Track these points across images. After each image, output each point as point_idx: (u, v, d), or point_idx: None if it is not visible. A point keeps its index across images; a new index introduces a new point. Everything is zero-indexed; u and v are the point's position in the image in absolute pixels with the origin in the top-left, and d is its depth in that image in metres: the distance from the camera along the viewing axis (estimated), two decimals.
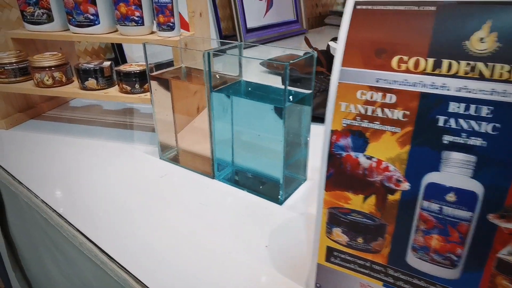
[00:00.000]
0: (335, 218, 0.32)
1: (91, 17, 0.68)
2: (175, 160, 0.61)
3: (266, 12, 1.59)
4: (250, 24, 1.49)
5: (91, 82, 0.64)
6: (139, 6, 0.66)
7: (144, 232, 0.44)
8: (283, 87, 0.51)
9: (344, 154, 0.29)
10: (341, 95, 0.29)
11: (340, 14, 2.08)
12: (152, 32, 0.70)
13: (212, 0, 1.37)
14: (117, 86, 0.67)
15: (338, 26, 1.83)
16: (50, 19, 0.70)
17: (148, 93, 0.65)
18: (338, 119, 0.29)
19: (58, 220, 0.47)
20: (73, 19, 0.68)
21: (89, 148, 0.65)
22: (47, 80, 0.66)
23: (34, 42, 0.76)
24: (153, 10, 0.67)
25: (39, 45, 0.77)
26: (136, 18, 0.66)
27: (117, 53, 1.04)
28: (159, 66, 0.59)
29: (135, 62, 0.67)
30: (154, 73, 0.56)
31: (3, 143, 0.67)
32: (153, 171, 0.58)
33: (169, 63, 0.62)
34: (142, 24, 0.67)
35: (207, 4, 0.76)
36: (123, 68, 0.63)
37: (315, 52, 0.47)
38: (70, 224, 0.45)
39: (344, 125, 0.29)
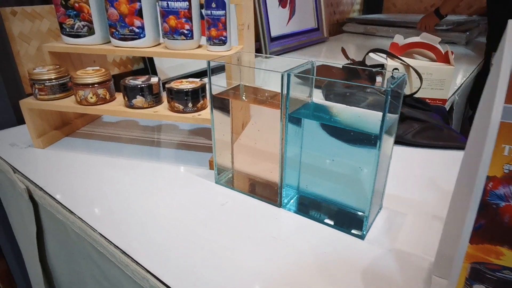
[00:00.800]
0: (480, 274, 0.27)
1: (136, 30, 0.64)
2: (231, 184, 0.57)
3: (289, 20, 1.55)
4: (273, 33, 1.45)
5: (139, 100, 0.60)
6: (189, 19, 0.62)
7: (225, 272, 0.40)
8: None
9: (503, 204, 0.25)
10: (505, 136, 0.24)
11: (357, 21, 2.04)
12: (199, 46, 0.66)
13: None
14: (166, 103, 0.63)
15: (356, 33, 1.81)
16: (91, 31, 0.66)
17: (201, 112, 0.60)
18: (499, 164, 0.25)
19: (122, 257, 0.43)
20: (117, 32, 0.64)
21: (134, 169, 0.61)
22: (91, 97, 0.62)
23: (69, 54, 0.72)
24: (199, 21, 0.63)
25: (74, 58, 0.73)
26: (186, 32, 0.62)
27: (148, 64, 1.00)
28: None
29: (185, 79, 0.63)
30: (217, 93, 0.52)
31: (42, 165, 0.63)
32: (213, 197, 0.54)
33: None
34: (191, 37, 0.63)
35: (253, 16, 0.72)
36: (175, 85, 0.59)
37: (405, 74, 0.43)
38: (139, 264, 0.41)
39: (506, 171, 0.25)
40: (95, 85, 0.62)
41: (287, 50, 1.52)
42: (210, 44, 0.62)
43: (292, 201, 0.52)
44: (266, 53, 1.40)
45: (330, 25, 2.01)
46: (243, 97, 0.57)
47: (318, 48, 1.65)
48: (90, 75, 0.61)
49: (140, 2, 0.62)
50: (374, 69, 0.56)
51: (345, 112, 0.48)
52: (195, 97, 0.59)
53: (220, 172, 0.58)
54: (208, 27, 0.62)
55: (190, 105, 0.59)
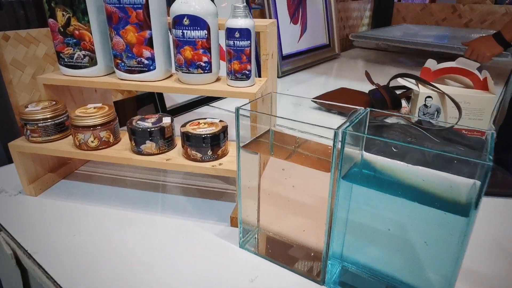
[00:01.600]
0: None
1: (146, 62, 0.55)
2: (258, 248, 0.48)
3: (300, 36, 1.47)
4: (285, 51, 1.37)
5: (149, 146, 0.51)
6: (208, 50, 0.53)
7: None
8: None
9: None
10: None
11: (367, 36, 1.97)
12: (218, 79, 0.57)
13: None
14: (179, 147, 0.54)
15: (367, 48, 1.71)
16: (92, 62, 0.58)
17: (222, 160, 0.51)
18: None
19: None
20: (122, 63, 0.55)
21: (141, 226, 0.52)
22: (92, 141, 0.53)
23: (68, 86, 0.63)
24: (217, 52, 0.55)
25: (72, 88, 0.64)
26: (203, 64, 0.53)
27: None
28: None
29: (202, 119, 0.54)
30: (245, 145, 0.43)
31: (33, 220, 0.53)
32: (239, 269, 0.44)
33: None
34: (209, 70, 0.54)
35: (277, 43, 0.64)
36: (191, 129, 0.50)
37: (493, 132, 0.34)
38: None
39: None
40: (97, 127, 0.52)
41: (299, 69, 1.43)
42: (231, 79, 0.54)
43: (335, 275, 0.43)
44: (277, 73, 1.32)
45: (339, 40, 1.93)
46: (275, 148, 0.47)
47: (330, 66, 1.57)
48: (91, 115, 0.52)
49: (150, 30, 0.53)
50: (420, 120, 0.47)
51: (405, 173, 0.39)
52: (215, 143, 0.50)
53: (245, 231, 0.49)
54: (229, 60, 0.53)
55: (209, 152, 0.50)
